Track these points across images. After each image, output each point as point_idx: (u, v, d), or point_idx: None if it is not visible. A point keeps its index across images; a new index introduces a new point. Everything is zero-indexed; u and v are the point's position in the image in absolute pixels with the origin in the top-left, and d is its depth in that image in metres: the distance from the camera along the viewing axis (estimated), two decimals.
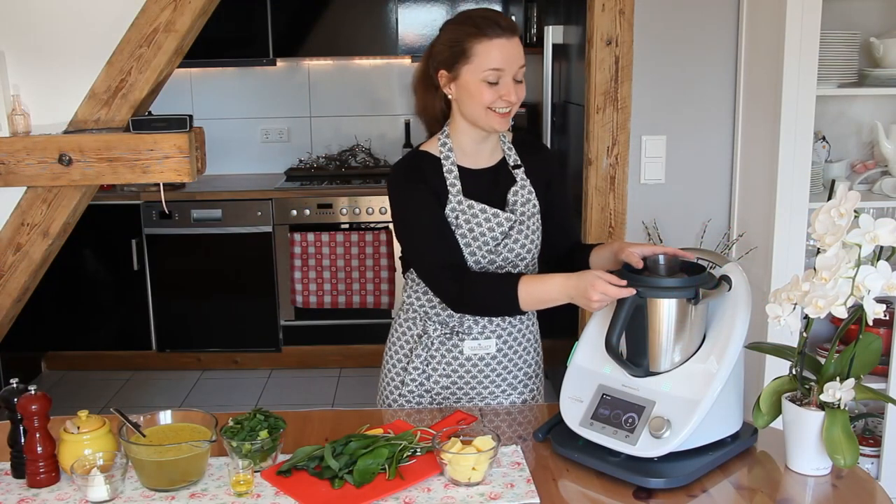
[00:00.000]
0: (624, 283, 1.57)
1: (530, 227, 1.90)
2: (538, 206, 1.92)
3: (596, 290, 1.59)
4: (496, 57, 1.76)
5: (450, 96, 1.85)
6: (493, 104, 1.78)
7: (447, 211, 1.84)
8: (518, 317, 1.95)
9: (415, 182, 1.85)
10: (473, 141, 1.88)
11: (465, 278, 1.81)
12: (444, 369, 1.94)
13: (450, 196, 1.85)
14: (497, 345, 1.93)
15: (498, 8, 4.76)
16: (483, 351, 1.93)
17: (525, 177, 1.92)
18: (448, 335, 1.93)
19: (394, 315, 2.06)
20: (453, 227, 1.85)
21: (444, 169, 1.86)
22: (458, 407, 1.94)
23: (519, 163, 1.93)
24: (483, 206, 1.86)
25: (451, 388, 1.95)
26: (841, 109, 2.96)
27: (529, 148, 1.98)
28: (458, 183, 1.85)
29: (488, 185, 1.89)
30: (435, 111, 1.92)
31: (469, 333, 1.92)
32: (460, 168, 1.88)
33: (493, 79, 1.76)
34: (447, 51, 1.80)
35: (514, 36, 1.79)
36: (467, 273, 1.83)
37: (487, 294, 1.80)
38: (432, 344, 1.94)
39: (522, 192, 1.90)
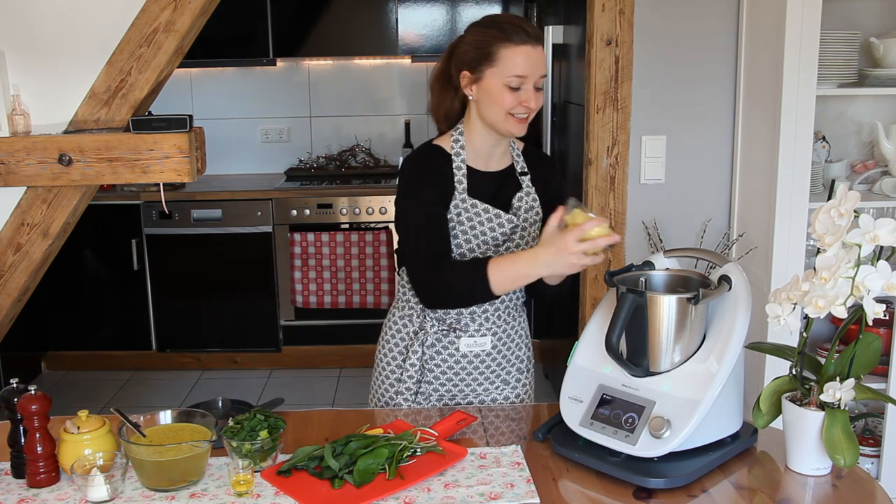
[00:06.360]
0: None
1: (531, 234, 1.93)
2: (541, 215, 1.94)
3: (571, 251, 1.63)
4: (521, 63, 1.78)
5: (470, 97, 1.86)
6: (513, 109, 1.80)
7: (451, 207, 1.86)
8: (512, 314, 1.98)
9: (426, 177, 1.87)
10: (487, 143, 1.90)
11: (438, 268, 1.81)
12: (440, 366, 1.95)
13: (455, 193, 1.87)
14: (492, 342, 1.95)
15: (498, 8, 4.76)
16: (479, 348, 1.95)
17: (531, 184, 1.95)
18: (445, 332, 1.94)
19: (389, 312, 2.07)
20: (455, 224, 1.86)
21: (454, 165, 1.89)
22: (453, 404, 1.96)
23: (526, 170, 1.96)
24: (486, 205, 1.88)
25: (446, 384, 1.97)
26: (841, 109, 2.96)
27: (537, 159, 2.01)
28: (465, 181, 1.88)
29: (494, 188, 1.92)
30: (450, 111, 1.94)
31: (465, 331, 1.93)
32: (469, 168, 1.90)
33: (516, 84, 1.79)
34: (473, 52, 1.81)
35: (539, 44, 1.81)
36: (443, 262, 1.82)
37: (458, 282, 1.79)
38: (427, 341, 1.94)
39: (527, 199, 1.93)
